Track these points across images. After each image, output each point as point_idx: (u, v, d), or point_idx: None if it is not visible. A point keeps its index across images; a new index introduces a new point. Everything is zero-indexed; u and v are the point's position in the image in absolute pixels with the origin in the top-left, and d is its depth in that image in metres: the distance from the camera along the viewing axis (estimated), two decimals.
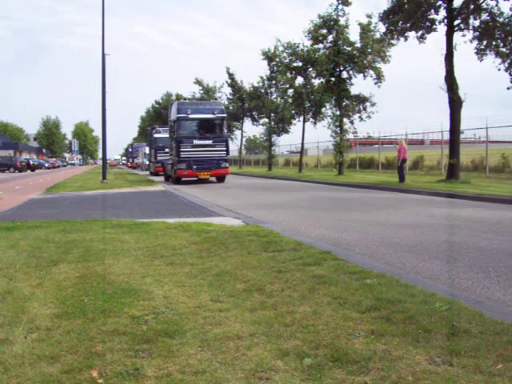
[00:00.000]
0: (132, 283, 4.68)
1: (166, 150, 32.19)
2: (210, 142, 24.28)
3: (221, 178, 25.83)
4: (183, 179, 25.21)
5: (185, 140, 24.01)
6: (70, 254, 6.14)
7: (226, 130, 25.29)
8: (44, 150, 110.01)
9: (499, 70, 19.33)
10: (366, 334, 3.29)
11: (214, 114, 24.56)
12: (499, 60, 19.22)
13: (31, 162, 61.54)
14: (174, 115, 24.90)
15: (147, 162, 50.60)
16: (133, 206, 13.29)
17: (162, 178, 30.99)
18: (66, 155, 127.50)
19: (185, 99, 69.77)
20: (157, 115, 72.28)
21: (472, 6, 18.85)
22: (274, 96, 41.81)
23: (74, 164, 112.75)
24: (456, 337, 3.21)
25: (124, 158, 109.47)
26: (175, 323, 3.56)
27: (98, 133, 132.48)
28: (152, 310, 3.88)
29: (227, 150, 25.18)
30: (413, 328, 3.38)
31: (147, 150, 51.58)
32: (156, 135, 38.34)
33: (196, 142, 24.09)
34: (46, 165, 72.76)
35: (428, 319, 3.51)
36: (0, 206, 12.91)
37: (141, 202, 14.35)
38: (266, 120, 42.90)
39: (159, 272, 5.11)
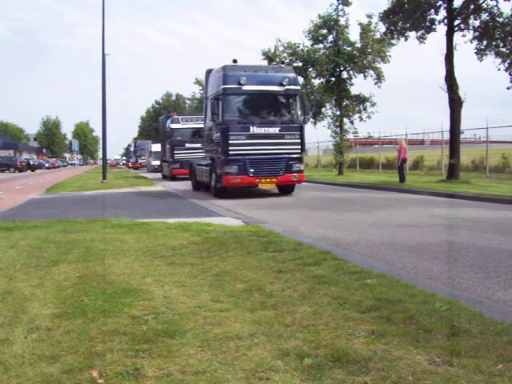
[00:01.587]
0: (132, 283, 4.68)
1: (187, 145, 27.07)
2: (275, 130, 15.18)
3: (288, 189, 16.54)
4: (228, 188, 15.88)
5: (235, 127, 14.87)
6: (70, 254, 6.13)
7: (300, 112, 15.77)
8: (44, 150, 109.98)
9: (499, 70, 19.32)
10: (366, 334, 3.29)
11: (282, 84, 15.28)
12: (499, 60, 19.22)
13: (31, 162, 61.53)
14: (215, 86, 15.89)
15: (153, 162, 44.10)
16: (133, 205, 13.29)
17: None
18: (66, 155, 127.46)
19: (185, 99, 69.34)
20: (157, 115, 72.20)
21: (472, 6, 18.85)
22: None
23: (74, 164, 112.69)
24: (456, 337, 3.21)
25: (124, 157, 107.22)
26: (175, 323, 3.56)
27: (98, 133, 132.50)
28: (152, 310, 3.88)
29: (302, 144, 15.95)
30: (413, 328, 3.38)
31: (154, 147, 44.64)
32: (173, 125, 27.82)
33: (255, 130, 14.97)
34: (46, 165, 72.74)
35: (428, 319, 3.51)
36: (0, 206, 12.91)
37: (141, 201, 14.35)
38: None
39: (159, 272, 5.11)
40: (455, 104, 19.09)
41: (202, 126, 25.77)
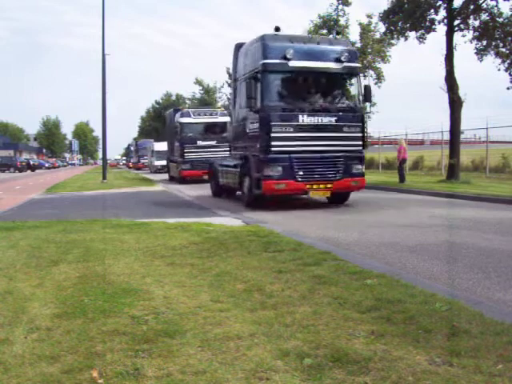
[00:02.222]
0: (132, 283, 4.68)
1: (200, 143, 23.56)
2: (331, 120, 11.69)
3: (342, 196, 12.82)
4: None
5: (280, 115, 11.36)
6: (70, 254, 6.13)
7: (360, 97, 12.37)
8: (44, 150, 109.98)
9: (499, 70, 19.34)
10: (366, 334, 3.29)
11: (339, 60, 11.89)
12: (499, 60, 19.23)
13: (31, 162, 61.52)
14: (251, 63, 12.28)
15: (156, 163, 40.97)
16: (133, 205, 13.29)
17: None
18: (66, 155, 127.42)
19: (185, 99, 69.24)
20: (157, 115, 72.12)
21: (472, 7, 18.85)
22: None
23: (74, 164, 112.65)
24: (456, 337, 3.21)
25: (124, 158, 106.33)
26: (175, 323, 3.56)
27: (98, 133, 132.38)
28: (152, 310, 3.88)
29: (364, 139, 12.45)
30: (413, 328, 3.38)
31: (157, 146, 41.68)
32: (183, 120, 23.96)
33: (305, 119, 11.44)
34: (46, 165, 72.72)
35: (428, 319, 3.51)
36: (0, 206, 12.91)
37: (141, 201, 14.35)
38: None
39: (159, 272, 5.10)
40: (455, 104, 19.09)
41: (216, 120, 24.17)
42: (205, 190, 17.92)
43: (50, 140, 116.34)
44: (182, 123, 23.97)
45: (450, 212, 10.42)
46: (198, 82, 57.52)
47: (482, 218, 9.98)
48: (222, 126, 23.81)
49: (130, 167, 67.66)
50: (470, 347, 3.04)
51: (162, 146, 38.52)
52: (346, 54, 11.96)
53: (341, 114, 11.88)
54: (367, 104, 12.87)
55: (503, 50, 19.10)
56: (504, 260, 6.05)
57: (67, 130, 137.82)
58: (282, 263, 5.39)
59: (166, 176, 30.54)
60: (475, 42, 19.53)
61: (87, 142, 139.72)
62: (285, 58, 11.40)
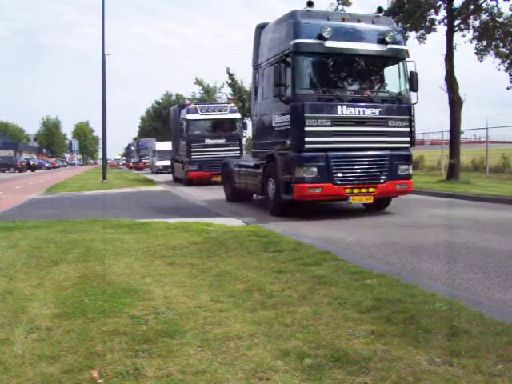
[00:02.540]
0: (132, 283, 4.68)
1: (208, 141, 21.75)
2: (375, 111, 10.06)
3: (384, 202, 11.09)
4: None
5: (315, 106, 9.74)
6: (70, 254, 6.13)
7: (407, 86, 10.59)
8: (44, 150, 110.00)
9: (499, 70, 19.35)
10: (366, 334, 3.29)
11: (384, 41, 10.26)
12: (499, 60, 19.24)
13: (31, 162, 61.52)
14: (279, 44, 10.51)
15: (158, 163, 39.26)
16: (133, 206, 13.28)
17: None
18: (67, 155, 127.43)
19: (185, 99, 69.20)
20: (157, 115, 72.06)
21: (472, 7, 18.85)
22: None
23: (74, 164, 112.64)
24: (456, 337, 3.21)
25: (124, 157, 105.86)
26: (175, 323, 3.56)
27: (98, 133, 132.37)
28: (152, 310, 3.88)
29: (412, 135, 10.65)
30: (413, 328, 3.38)
31: (158, 145, 40.27)
32: (189, 116, 21.99)
33: (344, 110, 9.82)
34: (46, 165, 72.72)
35: (428, 319, 3.51)
36: (0, 206, 12.91)
37: (141, 201, 14.35)
38: None
39: (159, 272, 5.11)
40: (455, 104, 19.08)
41: (225, 116, 22.40)
42: (216, 193, 16.58)
43: (50, 140, 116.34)
44: (189, 120, 21.92)
45: (450, 212, 10.44)
46: (198, 82, 57.45)
47: (482, 218, 9.98)
48: (232, 123, 22.56)
49: (130, 167, 66.31)
50: (469, 347, 3.04)
51: (163, 146, 37.55)
52: (392, 34, 10.24)
53: (386, 104, 10.17)
54: (413, 94, 10.50)
55: (503, 50, 19.10)
56: (504, 260, 6.05)
57: (67, 130, 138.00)
58: (282, 263, 5.39)
59: (168, 177, 29.11)
60: (475, 42, 19.53)
61: (87, 142, 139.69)
62: (321, 37, 9.69)
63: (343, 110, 9.75)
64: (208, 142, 21.81)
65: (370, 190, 9.97)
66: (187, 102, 27.19)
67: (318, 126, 9.60)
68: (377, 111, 10.04)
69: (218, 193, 16.25)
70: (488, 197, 13.47)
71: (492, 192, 14.34)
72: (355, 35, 10.15)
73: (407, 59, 10.63)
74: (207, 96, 53.90)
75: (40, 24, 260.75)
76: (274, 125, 10.68)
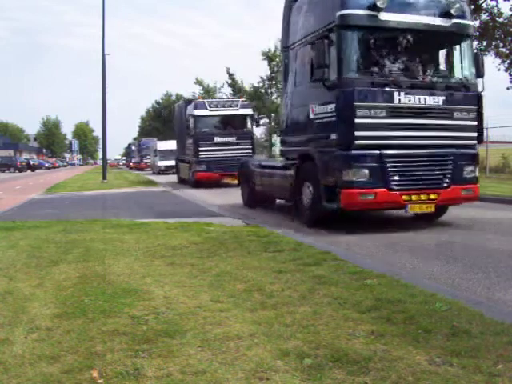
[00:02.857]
0: (132, 283, 4.68)
1: (218, 139, 19.90)
2: (438, 100, 8.25)
3: (442, 210, 9.33)
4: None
5: (366, 92, 7.91)
6: (70, 254, 6.14)
7: (473, 69, 8.82)
8: (44, 150, 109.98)
9: (499, 70, 19.37)
10: (366, 334, 3.29)
11: (448, 15, 8.39)
12: (499, 60, 19.26)
13: (31, 162, 61.51)
14: (318, 17, 8.87)
15: (160, 163, 37.50)
16: (133, 205, 13.29)
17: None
18: (67, 155, 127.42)
19: (185, 99, 69.03)
20: (157, 115, 72.05)
21: (472, 7, 18.85)
22: (275, 96, 41.81)
23: (74, 164, 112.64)
24: (456, 337, 3.21)
25: (124, 157, 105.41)
26: (175, 323, 3.56)
27: (98, 133, 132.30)
28: (152, 310, 3.88)
29: (480, 127, 8.82)
30: (413, 328, 3.38)
31: (160, 145, 38.83)
32: (197, 112, 20.13)
33: (402, 98, 8.02)
34: (46, 165, 72.71)
35: (428, 319, 3.51)
36: (0, 206, 12.91)
37: (141, 201, 14.35)
38: (267, 120, 42.94)
39: (159, 272, 5.11)
40: None
41: (236, 112, 20.50)
42: (229, 196, 15.06)
43: (50, 140, 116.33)
44: (196, 116, 19.98)
45: (450, 212, 10.40)
46: (198, 82, 57.46)
47: (481, 217, 9.98)
48: (243, 120, 20.80)
49: (130, 167, 64.48)
50: (469, 347, 3.04)
51: (166, 145, 36.36)
52: (458, 6, 8.40)
53: (450, 92, 8.34)
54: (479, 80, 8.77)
55: (503, 50, 19.12)
56: (504, 260, 6.05)
57: (67, 130, 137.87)
58: (282, 263, 5.39)
59: (172, 178, 27.43)
60: (475, 42, 19.54)
61: (87, 142, 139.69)
62: (373, 8, 7.95)
63: (401, 98, 7.94)
64: (217, 140, 19.93)
65: (432, 196, 8.18)
66: (194, 96, 26.31)
67: (370, 117, 7.80)
68: (440, 100, 8.18)
69: (230, 196, 14.83)
70: (488, 197, 13.46)
71: (492, 192, 14.34)
72: (414, 7, 8.35)
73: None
74: (207, 96, 53.93)
75: (40, 24, 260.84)
76: (311, 117, 8.84)
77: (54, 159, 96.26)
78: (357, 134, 7.78)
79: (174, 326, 3.51)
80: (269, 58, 40.19)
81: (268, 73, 41.56)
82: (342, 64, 7.97)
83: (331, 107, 8.17)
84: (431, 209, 8.30)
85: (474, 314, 3.62)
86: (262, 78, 42.83)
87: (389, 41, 8.48)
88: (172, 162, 30.88)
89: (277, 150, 47.81)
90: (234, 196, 14.10)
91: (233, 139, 20.09)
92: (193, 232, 7.67)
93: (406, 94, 8.00)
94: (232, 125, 20.58)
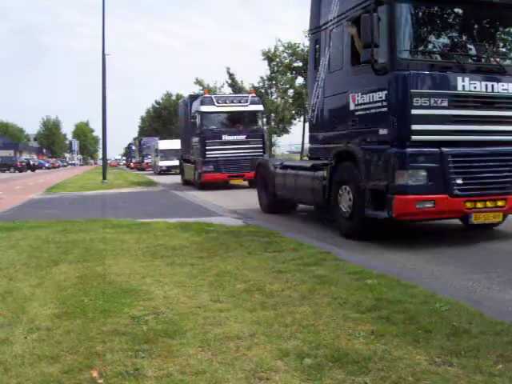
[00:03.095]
0: (132, 283, 4.68)
1: (226, 137, 18.48)
2: (508, 87, 6.85)
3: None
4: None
5: (422, 78, 6.62)
6: (70, 254, 6.14)
7: None
8: (44, 150, 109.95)
9: None
10: (366, 334, 3.29)
11: None
12: None
13: (31, 162, 61.48)
14: None
15: (161, 163, 36.43)
16: (133, 205, 13.28)
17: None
18: (67, 155, 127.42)
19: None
20: (157, 115, 71.99)
21: None
22: (275, 96, 41.82)
23: (74, 164, 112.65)
24: (456, 337, 3.21)
25: (124, 157, 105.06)
26: (175, 323, 3.57)
27: (98, 133, 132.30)
28: (152, 310, 3.88)
29: None
30: (413, 328, 3.38)
31: (161, 144, 37.80)
32: (204, 108, 18.62)
33: (467, 84, 6.66)
34: (47, 165, 72.68)
35: (428, 319, 3.51)
36: (0, 206, 12.91)
37: (141, 201, 14.35)
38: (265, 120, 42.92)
39: (159, 272, 5.11)
40: None
41: (245, 108, 19.01)
42: (241, 199, 13.99)
43: (50, 140, 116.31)
44: (203, 113, 18.53)
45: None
46: (198, 82, 57.39)
47: None
48: (254, 117, 19.31)
49: (131, 167, 62.99)
50: (469, 347, 3.04)
51: (167, 145, 36.03)
52: None
53: None
54: None
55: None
56: (504, 260, 6.05)
57: (67, 130, 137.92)
58: (282, 263, 5.39)
59: (174, 178, 26.29)
60: None
61: (87, 142, 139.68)
62: None
63: (465, 85, 6.71)
64: (226, 138, 18.47)
65: (499, 203, 6.89)
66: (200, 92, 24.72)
67: (429, 107, 6.59)
68: (510, 87, 6.93)
69: (241, 199, 13.90)
70: None
71: None
72: None
73: None
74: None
75: (40, 24, 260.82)
76: (352, 108, 7.57)
77: (54, 159, 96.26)
78: (414, 127, 6.58)
79: (173, 325, 3.51)
80: (269, 58, 40.21)
81: (268, 73, 41.55)
82: (394, 42, 6.67)
83: (380, 95, 6.92)
84: (498, 218, 7.12)
85: (474, 313, 3.62)
86: (262, 78, 42.84)
87: (450, 15, 7.27)
88: (174, 162, 30.36)
89: (277, 150, 47.83)
90: (243, 199, 13.58)
91: (242, 137, 18.57)
92: (193, 232, 7.67)
93: (472, 79, 6.76)
94: (241, 122, 19.13)
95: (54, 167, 77.92)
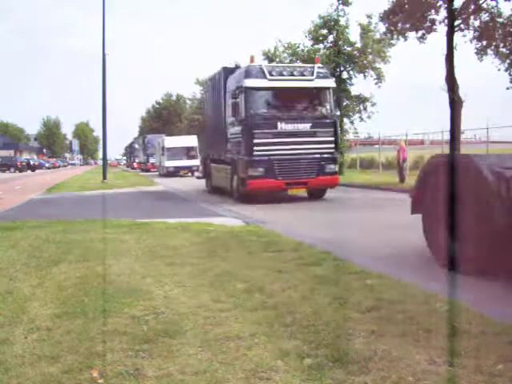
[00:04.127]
0: (132, 283, 4.68)
1: (283, 126, 12.85)
2: None
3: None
4: None
5: None
6: (70, 254, 6.13)
7: None
8: (44, 150, 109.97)
9: (499, 70, 19.37)
10: (366, 334, 3.29)
11: None
12: (499, 60, 19.26)
13: (31, 162, 61.46)
14: None
15: (168, 163, 31.99)
16: (133, 205, 13.28)
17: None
18: (67, 155, 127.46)
19: (185, 99, 68.32)
20: (157, 115, 71.97)
21: (472, 7, 18.86)
22: None
23: (74, 164, 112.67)
24: (456, 337, 3.20)
25: (125, 157, 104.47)
26: (175, 323, 3.56)
27: (98, 133, 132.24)
28: (152, 310, 3.88)
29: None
30: (413, 328, 3.38)
31: (168, 141, 33.23)
32: (251, 83, 12.90)
33: None
34: (47, 165, 72.68)
35: (428, 319, 3.51)
36: (0, 206, 12.91)
37: (141, 201, 14.35)
38: None
39: (159, 272, 5.11)
40: (456, 104, 19.08)
41: (311, 84, 13.20)
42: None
43: (51, 140, 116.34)
44: (249, 89, 12.74)
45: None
46: (199, 83, 57.37)
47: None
48: (322, 96, 13.59)
49: (133, 168, 56.84)
50: (469, 347, 3.04)
51: (174, 142, 32.62)
52: None
53: None
54: None
55: (503, 50, 19.12)
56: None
57: (67, 130, 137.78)
58: (282, 263, 5.39)
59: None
60: (475, 41, 19.55)
61: (87, 142, 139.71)
62: None
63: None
64: (282, 127, 12.77)
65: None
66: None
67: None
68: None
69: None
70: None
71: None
72: None
73: None
74: None
75: (40, 24, 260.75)
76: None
77: (54, 159, 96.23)
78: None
79: (174, 325, 3.51)
80: (269, 58, 40.18)
81: None
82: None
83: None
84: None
85: (474, 314, 3.62)
86: None
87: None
88: (183, 163, 27.78)
89: None
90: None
91: (306, 127, 12.92)
92: (193, 232, 7.67)
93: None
94: (305, 104, 13.63)
95: (55, 167, 77.90)
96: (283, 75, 13.04)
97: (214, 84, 16.51)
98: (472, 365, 2.82)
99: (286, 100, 13.42)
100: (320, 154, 12.99)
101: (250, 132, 12.73)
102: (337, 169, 13.61)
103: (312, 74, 13.31)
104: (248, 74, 13.09)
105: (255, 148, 12.68)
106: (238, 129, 13.55)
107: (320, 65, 14.50)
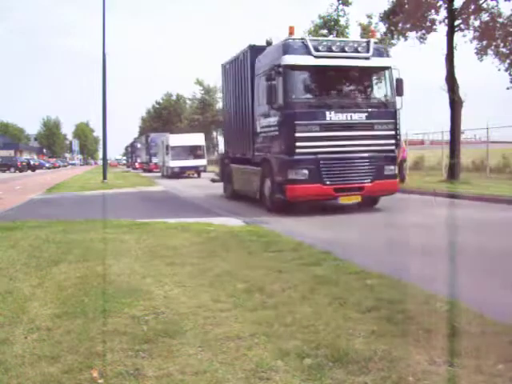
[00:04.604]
0: (132, 283, 4.68)
1: (333, 116, 10.11)
2: None
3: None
4: None
5: None
6: (70, 254, 6.13)
7: None
8: (44, 150, 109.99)
9: (499, 70, 19.37)
10: (366, 334, 3.29)
11: None
12: (499, 60, 19.26)
13: (32, 162, 61.46)
14: None
15: (173, 163, 29.63)
16: (133, 205, 13.29)
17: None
18: (67, 155, 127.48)
19: (185, 99, 68.23)
20: (157, 115, 71.95)
21: (473, 7, 18.86)
22: None
23: (74, 164, 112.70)
24: (456, 337, 3.20)
25: (125, 157, 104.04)
26: (175, 323, 3.57)
27: (98, 133, 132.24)
28: (152, 310, 3.89)
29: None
30: (413, 328, 3.37)
31: (173, 139, 30.75)
32: (291, 60, 10.07)
33: None
34: (47, 165, 72.70)
35: (428, 319, 3.51)
36: (0, 206, 12.91)
37: (141, 201, 14.35)
38: None
39: (159, 272, 5.11)
40: (456, 104, 19.08)
41: (366, 63, 10.57)
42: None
43: (51, 140, 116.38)
44: (290, 68, 10.21)
45: (450, 212, 10.42)
46: (199, 83, 57.45)
47: (482, 218, 9.98)
48: (379, 79, 11.17)
49: (135, 168, 53.13)
50: (469, 347, 3.04)
51: (180, 140, 30.12)
52: None
53: None
54: None
55: (503, 50, 19.11)
56: (504, 260, 6.05)
57: (67, 130, 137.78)
58: (283, 263, 5.39)
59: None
60: (475, 41, 19.54)
61: (87, 143, 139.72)
62: None
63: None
64: (332, 118, 10.19)
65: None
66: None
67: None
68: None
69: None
70: (488, 197, 13.46)
71: (492, 192, 14.34)
72: None
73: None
74: (208, 96, 53.74)
75: (40, 24, 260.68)
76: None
77: (54, 159, 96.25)
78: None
79: (174, 325, 3.51)
80: None
81: None
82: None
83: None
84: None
85: (474, 314, 3.62)
86: None
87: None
88: (189, 163, 26.19)
89: None
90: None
91: (362, 117, 10.41)
92: (193, 232, 7.66)
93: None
94: (360, 88, 11.20)
95: (55, 167, 77.90)
96: (333, 51, 10.31)
97: (236, 68, 13.43)
98: (472, 365, 2.82)
99: (337, 83, 10.86)
100: (378, 152, 10.38)
101: (290, 124, 10.06)
102: (396, 170, 11.04)
103: (368, 51, 10.54)
104: (287, 48, 10.26)
105: (297, 144, 10.06)
106: (272, 120, 10.85)
107: (376, 40, 12.15)
